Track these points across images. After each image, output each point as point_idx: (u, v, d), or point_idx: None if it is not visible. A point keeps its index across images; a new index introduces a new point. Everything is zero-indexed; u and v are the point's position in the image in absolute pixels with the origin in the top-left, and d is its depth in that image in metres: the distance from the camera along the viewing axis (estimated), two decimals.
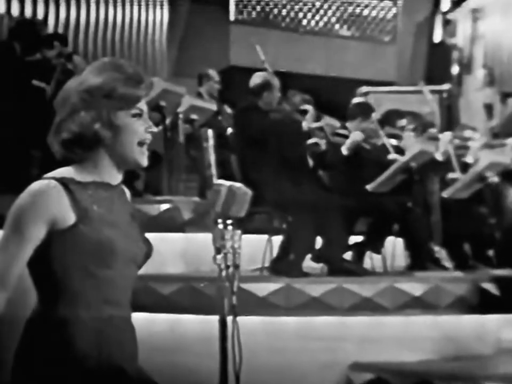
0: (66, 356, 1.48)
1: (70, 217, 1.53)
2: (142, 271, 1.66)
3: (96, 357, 1.50)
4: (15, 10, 7.18)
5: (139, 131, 1.60)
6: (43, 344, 1.49)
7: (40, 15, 7.33)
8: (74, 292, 1.52)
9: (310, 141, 4.67)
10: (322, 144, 4.68)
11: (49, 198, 1.52)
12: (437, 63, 8.33)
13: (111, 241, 1.55)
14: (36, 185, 1.54)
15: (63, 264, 1.52)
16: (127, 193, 1.72)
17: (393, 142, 5.11)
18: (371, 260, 4.86)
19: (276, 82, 4.75)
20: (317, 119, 4.83)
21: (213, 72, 6.05)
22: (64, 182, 1.55)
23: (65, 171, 1.59)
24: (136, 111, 1.60)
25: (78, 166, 1.59)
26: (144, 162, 1.62)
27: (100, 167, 1.59)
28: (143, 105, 1.62)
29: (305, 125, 4.63)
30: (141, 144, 1.61)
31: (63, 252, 1.52)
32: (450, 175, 5.15)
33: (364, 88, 6.75)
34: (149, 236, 1.69)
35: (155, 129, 1.64)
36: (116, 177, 1.63)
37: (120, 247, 1.56)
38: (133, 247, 1.60)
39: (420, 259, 4.85)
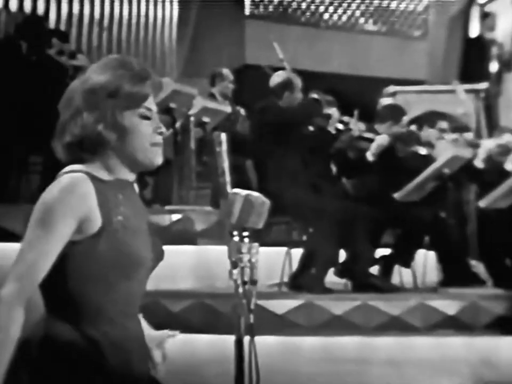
0: (98, 376, 1.50)
1: (97, 219, 1.53)
2: (150, 287, 1.67)
3: (126, 373, 1.52)
4: (13, 5, 7.25)
5: (147, 132, 1.60)
6: (71, 365, 1.49)
7: (40, 10, 7.40)
8: (95, 308, 1.52)
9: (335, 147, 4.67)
10: (345, 145, 4.68)
11: (82, 193, 1.52)
12: (473, 59, 8.27)
13: (136, 250, 1.55)
14: (66, 178, 1.53)
15: (82, 276, 1.51)
16: (137, 189, 1.72)
17: (424, 148, 5.09)
18: (400, 274, 4.84)
19: (298, 82, 4.76)
20: (341, 122, 4.83)
21: (227, 72, 6.07)
22: (92, 177, 1.54)
23: (83, 167, 1.57)
24: (143, 111, 1.60)
25: (91, 165, 1.59)
26: (159, 160, 1.62)
27: (113, 168, 1.59)
28: (151, 104, 1.62)
29: (331, 123, 4.63)
30: (154, 145, 1.61)
31: (83, 262, 1.51)
32: None
33: (391, 88, 6.74)
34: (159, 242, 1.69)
35: (165, 130, 1.64)
36: (131, 177, 1.63)
37: (144, 256, 1.58)
38: (150, 253, 1.61)
39: (454, 274, 4.82)
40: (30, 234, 1.51)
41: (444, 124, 5.39)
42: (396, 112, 4.90)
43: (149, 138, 1.61)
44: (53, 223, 1.49)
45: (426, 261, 4.91)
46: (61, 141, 1.58)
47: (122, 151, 1.59)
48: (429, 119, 5.50)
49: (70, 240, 1.51)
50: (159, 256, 1.65)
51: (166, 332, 1.68)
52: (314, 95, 4.75)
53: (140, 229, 1.61)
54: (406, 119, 4.94)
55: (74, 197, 1.51)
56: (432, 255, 4.92)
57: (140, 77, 1.59)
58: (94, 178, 1.55)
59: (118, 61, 1.61)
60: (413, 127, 4.97)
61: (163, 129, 1.64)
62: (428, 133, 5.27)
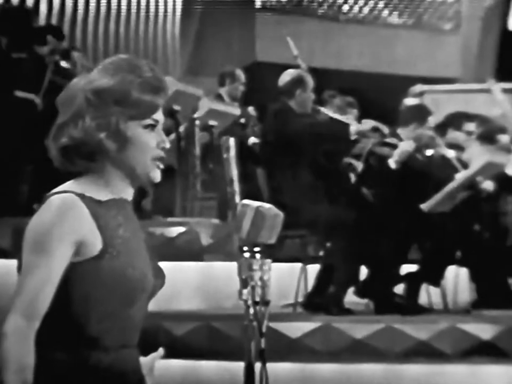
0: None
1: (96, 242, 1.54)
2: (151, 308, 1.67)
3: None
4: None
5: (151, 145, 1.60)
6: None
7: (30, 2, 7.44)
8: (93, 334, 1.53)
9: (346, 160, 4.68)
10: (358, 165, 4.68)
11: (75, 215, 1.53)
12: (511, 55, 8.24)
13: (138, 275, 1.57)
14: (57, 199, 1.53)
15: (81, 300, 1.53)
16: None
17: (453, 152, 5.09)
18: (428, 294, 4.82)
19: (309, 80, 4.79)
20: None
21: (239, 72, 6.08)
22: (85, 199, 1.56)
23: (75, 186, 1.58)
24: (150, 122, 1.60)
25: (85, 181, 1.60)
26: (158, 177, 1.64)
27: (111, 182, 1.60)
28: (159, 115, 1.62)
29: (354, 128, 4.63)
30: (155, 160, 1.62)
31: (83, 284, 1.52)
32: None
33: (419, 87, 6.72)
34: (160, 265, 1.70)
35: (169, 145, 1.65)
36: (129, 194, 1.65)
37: (146, 281, 1.59)
38: (151, 277, 1.62)
39: (490, 294, 4.80)
40: (27, 263, 1.52)
41: (471, 126, 5.37)
42: (420, 114, 4.89)
43: (151, 152, 1.61)
44: (50, 247, 1.51)
45: (457, 279, 4.89)
46: (56, 142, 1.59)
47: (121, 162, 1.60)
48: (454, 121, 5.48)
49: (70, 262, 1.53)
50: (161, 281, 1.66)
51: (153, 355, 1.69)
52: (348, 118, 4.75)
53: (140, 251, 1.62)
54: (432, 120, 4.93)
55: (68, 219, 1.53)
56: (464, 272, 4.90)
57: (152, 86, 1.59)
58: (89, 200, 1.56)
59: (128, 63, 1.61)
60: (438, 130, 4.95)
61: (167, 144, 1.65)
62: (455, 136, 5.26)
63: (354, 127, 4.63)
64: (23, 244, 1.54)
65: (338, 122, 4.76)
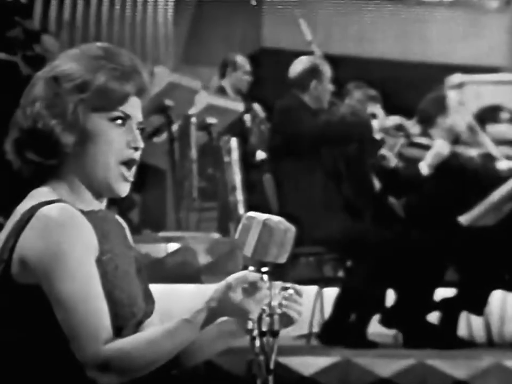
0: None
1: None
2: None
3: None
4: None
5: (115, 143, 1.61)
6: None
7: None
8: (76, 364, 1.56)
9: (379, 152, 4.67)
10: (392, 158, 4.68)
11: (87, 225, 1.57)
12: None
13: (128, 297, 1.60)
14: (59, 210, 1.55)
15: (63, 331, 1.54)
16: (125, 226, 1.74)
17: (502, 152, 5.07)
18: (468, 324, 4.81)
19: (325, 69, 4.79)
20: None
21: (242, 60, 6.11)
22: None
23: (51, 195, 1.59)
24: (117, 114, 1.60)
25: (53, 188, 1.61)
26: (123, 190, 1.62)
27: (75, 190, 1.62)
28: (132, 109, 1.62)
29: (376, 124, 4.63)
30: (125, 164, 1.62)
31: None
32: None
33: (458, 77, 6.72)
34: (151, 287, 1.72)
35: (142, 145, 1.63)
36: (99, 203, 1.65)
37: (137, 307, 1.61)
38: (142, 302, 1.64)
39: None
40: (64, 296, 1.53)
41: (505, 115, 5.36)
42: (440, 103, 4.88)
43: (117, 151, 1.60)
44: (79, 267, 1.53)
45: (504, 307, 4.89)
46: (10, 137, 1.61)
47: (80, 163, 1.60)
48: (491, 113, 5.46)
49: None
50: (150, 308, 1.67)
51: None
52: (372, 110, 4.74)
53: (129, 272, 1.63)
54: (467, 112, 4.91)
55: (80, 229, 1.55)
56: None
57: (121, 72, 1.60)
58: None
59: (102, 50, 1.62)
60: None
61: (140, 144, 1.63)
62: (496, 130, 5.24)
63: (376, 123, 4.63)
64: (35, 272, 1.54)
65: (359, 118, 4.75)
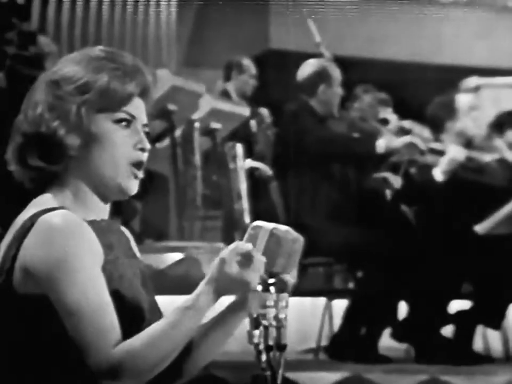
0: None
1: None
2: None
3: None
4: None
5: (123, 145, 1.63)
6: None
7: None
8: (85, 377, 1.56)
9: (380, 175, 4.66)
10: (396, 180, 4.68)
11: (91, 232, 1.59)
12: None
13: (134, 309, 1.61)
14: (62, 217, 1.56)
15: (62, 341, 1.56)
16: (130, 237, 1.76)
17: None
18: (484, 338, 4.81)
19: (335, 72, 4.79)
20: (402, 131, 4.83)
21: (248, 63, 6.12)
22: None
23: (52, 202, 1.61)
24: (122, 116, 1.64)
25: (56, 196, 1.62)
26: (133, 189, 1.66)
27: (79, 197, 1.64)
28: (136, 109, 1.65)
29: (382, 143, 4.61)
30: (134, 165, 1.65)
31: (59, 326, 1.56)
32: None
33: (474, 80, 6.70)
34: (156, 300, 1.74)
35: (148, 146, 1.66)
36: (104, 210, 1.67)
37: (142, 318, 1.62)
38: (147, 315, 1.65)
39: None
40: (72, 305, 1.54)
41: None
42: (447, 106, 4.87)
43: (124, 153, 1.63)
44: (86, 274, 1.55)
45: None
46: (12, 145, 1.63)
47: (86, 167, 1.63)
48: (509, 118, 5.44)
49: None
50: (156, 321, 1.66)
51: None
52: (383, 114, 4.74)
53: (134, 282, 1.65)
54: (480, 116, 4.90)
55: (84, 236, 1.57)
56: None
57: (123, 72, 1.63)
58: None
59: (104, 52, 1.66)
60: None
61: (146, 145, 1.66)
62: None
63: (383, 142, 4.59)
64: (39, 281, 1.55)
65: (361, 132, 4.74)
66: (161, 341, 1.55)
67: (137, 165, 1.65)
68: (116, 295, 1.59)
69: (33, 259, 1.55)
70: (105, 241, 1.62)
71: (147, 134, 1.68)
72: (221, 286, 1.57)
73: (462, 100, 4.92)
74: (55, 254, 1.54)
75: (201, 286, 1.58)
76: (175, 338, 1.56)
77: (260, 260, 1.57)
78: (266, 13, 8.20)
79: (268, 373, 1.59)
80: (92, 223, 1.62)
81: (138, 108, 1.65)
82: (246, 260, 1.56)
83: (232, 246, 1.58)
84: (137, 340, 1.55)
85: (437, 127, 4.86)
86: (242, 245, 1.58)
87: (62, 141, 1.60)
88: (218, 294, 1.58)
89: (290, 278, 1.63)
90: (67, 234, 1.55)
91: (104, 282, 1.57)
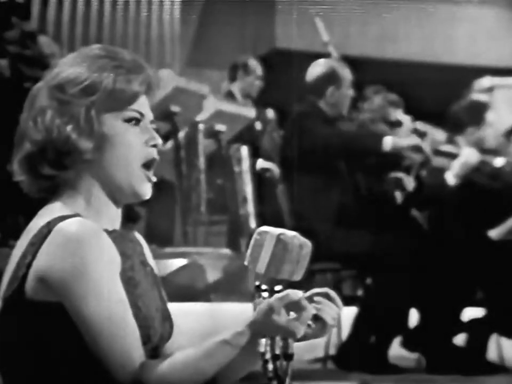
0: None
1: None
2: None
3: None
4: None
5: (134, 143, 1.64)
6: None
7: None
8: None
9: (393, 174, 4.66)
10: (409, 181, 4.67)
11: (108, 240, 1.60)
12: None
13: (147, 321, 1.62)
14: (75, 225, 1.57)
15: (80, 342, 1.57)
16: (145, 244, 1.77)
17: None
18: (499, 347, 4.80)
19: (344, 73, 4.79)
20: (416, 133, 4.83)
21: (254, 63, 6.12)
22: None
23: (64, 210, 1.61)
24: (131, 114, 1.65)
25: (71, 204, 1.63)
26: (147, 192, 1.67)
27: (93, 203, 1.65)
28: (143, 107, 1.66)
29: (389, 140, 4.62)
30: (145, 166, 1.66)
31: (70, 336, 1.56)
32: None
33: (487, 81, 6.70)
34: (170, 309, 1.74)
35: (161, 142, 1.68)
36: (116, 217, 1.68)
37: (155, 328, 1.63)
38: (161, 326, 1.66)
39: None
40: (91, 316, 1.55)
41: None
42: (475, 112, 4.87)
43: (137, 153, 1.65)
44: (105, 284, 1.56)
45: None
46: (19, 156, 1.63)
47: (99, 170, 1.63)
48: None
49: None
50: (167, 331, 1.70)
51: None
52: (396, 116, 4.74)
53: (148, 291, 1.66)
54: (494, 119, 4.90)
55: (102, 244, 1.58)
56: None
57: (128, 70, 1.64)
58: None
59: (102, 50, 1.66)
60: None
61: (158, 141, 1.68)
62: None
63: (390, 140, 4.59)
64: (56, 290, 1.56)
65: (368, 131, 4.74)
66: (191, 370, 1.56)
67: (149, 164, 1.66)
68: (131, 303, 1.59)
69: (51, 267, 1.56)
70: (120, 249, 1.62)
71: (156, 130, 1.70)
72: (265, 331, 1.56)
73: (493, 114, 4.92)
74: (73, 263, 1.55)
75: (245, 326, 1.57)
76: (205, 369, 1.57)
77: (309, 311, 1.56)
78: (272, 11, 8.21)
79: (275, 382, 1.59)
80: (108, 233, 1.62)
81: (144, 105, 1.67)
82: (295, 308, 1.55)
83: (283, 293, 1.56)
84: (167, 365, 1.56)
85: (457, 129, 4.86)
86: (294, 293, 1.56)
87: (76, 145, 1.60)
88: (259, 337, 1.57)
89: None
90: (85, 243, 1.56)
91: (124, 292, 1.57)
